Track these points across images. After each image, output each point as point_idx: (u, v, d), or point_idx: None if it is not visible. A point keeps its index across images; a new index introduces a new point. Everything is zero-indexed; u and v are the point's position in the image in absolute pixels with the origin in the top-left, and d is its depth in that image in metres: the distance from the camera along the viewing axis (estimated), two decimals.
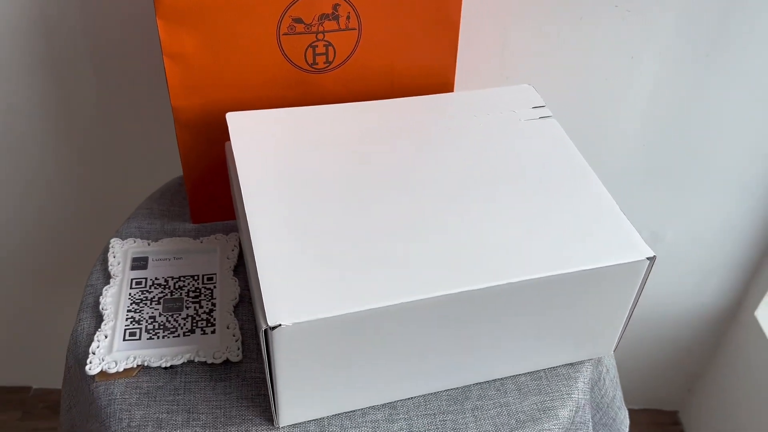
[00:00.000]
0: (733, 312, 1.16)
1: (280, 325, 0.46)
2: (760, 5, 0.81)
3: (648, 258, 0.52)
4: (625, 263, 0.52)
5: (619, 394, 0.72)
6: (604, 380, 0.66)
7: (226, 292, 0.63)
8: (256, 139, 0.59)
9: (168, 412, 0.54)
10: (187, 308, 0.62)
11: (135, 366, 0.56)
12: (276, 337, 0.46)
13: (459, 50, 0.78)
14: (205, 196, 0.69)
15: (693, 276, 1.11)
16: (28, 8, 0.78)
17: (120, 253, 0.66)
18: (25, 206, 0.96)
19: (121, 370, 0.56)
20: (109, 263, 0.65)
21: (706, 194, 0.99)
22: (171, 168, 0.92)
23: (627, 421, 0.75)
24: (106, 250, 0.67)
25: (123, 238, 0.68)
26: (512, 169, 0.59)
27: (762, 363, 1.08)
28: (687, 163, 0.96)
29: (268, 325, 0.46)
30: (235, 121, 0.60)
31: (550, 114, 0.65)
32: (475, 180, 0.58)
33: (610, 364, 0.68)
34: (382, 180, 0.57)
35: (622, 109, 0.90)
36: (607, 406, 0.69)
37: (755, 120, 0.91)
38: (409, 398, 0.56)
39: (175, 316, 0.61)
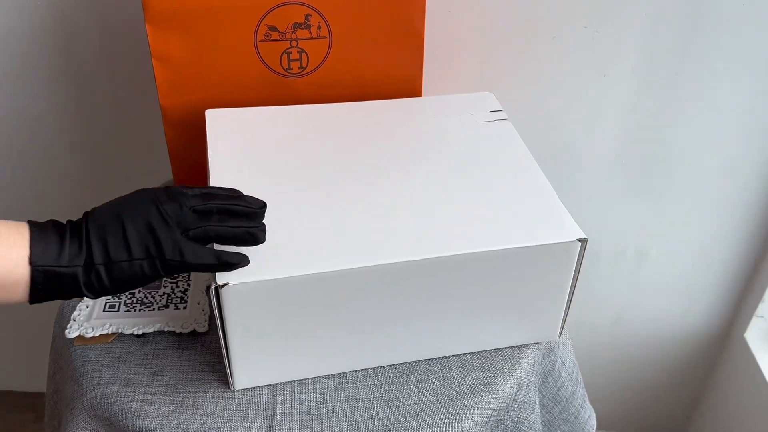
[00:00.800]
0: (724, 333, 1.16)
1: (227, 284, 0.51)
2: (726, 26, 0.85)
3: (579, 240, 0.56)
4: (557, 243, 0.56)
5: (581, 391, 0.74)
6: (560, 372, 0.69)
7: (201, 275, 0.68)
8: (230, 133, 0.65)
9: (135, 374, 0.59)
10: (165, 287, 0.67)
11: (110, 333, 0.62)
12: (224, 296, 0.51)
13: (438, 66, 0.84)
14: None
15: (681, 297, 1.12)
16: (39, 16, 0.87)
17: None
18: (29, 204, 1.04)
19: (97, 335, 0.61)
20: None
21: (687, 211, 1.02)
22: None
23: (593, 422, 0.77)
24: None
25: None
26: (464, 161, 0.64)
27: (754, 386, 1.07)
28: (665, 179, 0.99)
29: (217, 284, 0.51)
30: (213, 117, 0.67)
31: (505, 117, 0.70)
32: (427, 169, 0.63)
33: (567, 357, 0.70)
34: (343, 167, 0.62)
35: (597, 126, 0.94)
36: (567, 401, 0.71)
37: (728, 137, 0.94)
38: (358, 370, 0.60)
39: (152, 293, 0.66)
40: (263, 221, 0.51)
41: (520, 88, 0.90)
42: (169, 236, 0.47)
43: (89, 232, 0.47)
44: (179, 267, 0.48)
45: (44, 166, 1.00)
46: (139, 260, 0.47)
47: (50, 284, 0.46)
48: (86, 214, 0.49)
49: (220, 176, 0.60)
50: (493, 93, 0.75)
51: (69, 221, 0.49)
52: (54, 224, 0.48)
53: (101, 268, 0.47)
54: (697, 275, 1.09)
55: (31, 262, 0.45)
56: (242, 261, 0.50)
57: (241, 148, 0.64)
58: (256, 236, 0.50)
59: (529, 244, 0.55)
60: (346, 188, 0.60)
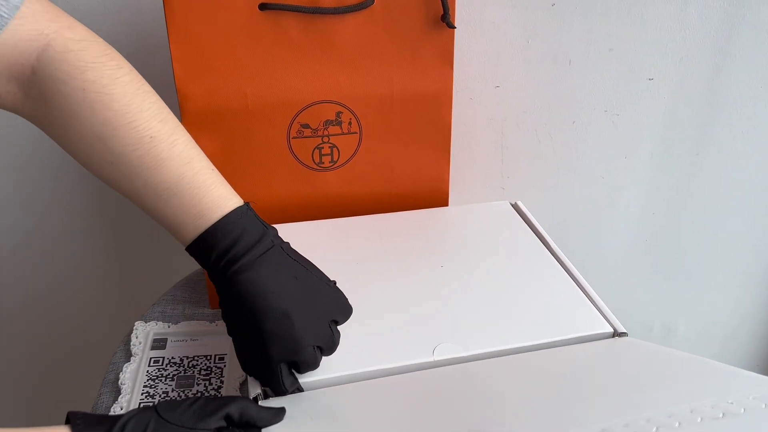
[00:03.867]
0: None
1: (259, 394, 0.50)
2: (742, 105, 0.87)
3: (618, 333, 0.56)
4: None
5: None
6: None
7: (234, 371, 0.68)
8: None
9: None
10: (198, 384, 0.67)
11: None
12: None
13: (460, 151, 0.86)
14: None
15: None
16: None
17: (142, 334, 0.73)
18: (64, 295, 1.04)
19: None
20: (132, 343, 0.71)
21: (714, 287, 1.01)
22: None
23: None
24: (131, 332, 0.74)
25: (146, 321, 0.75)
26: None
27: None
28: (691, 256, 0.99)
29: (250, 394, 0.51)
30: None
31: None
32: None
33: None
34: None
35: (620, 206, 0.95)
36: None
37: (751, 211, 0.95)
38: None
39: (186, 392, 0.66)
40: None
41: (541, 173, 0.92)
42: None
43: None
44: None
45: (85, 259, 1.01)
46: None
47: None
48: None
49: None
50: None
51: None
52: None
53: None
54: (726, 352, 1.07)
55: None
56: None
57: None
58: None
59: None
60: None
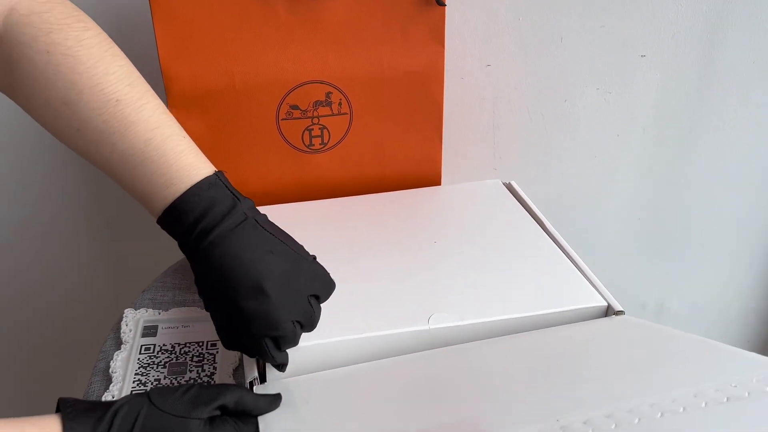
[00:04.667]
0: None
1: (255, 378, 0.50)
2: (734, 81, 0.86)
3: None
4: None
5: None
6: None
7: (227, 357, 0.67)
8: None
9: None
10: (190, 371, 0.66)
11: None
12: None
13: (452, 132, 0.85)
14: None
15: None
16: None
17: (132, 321, 0.71)
18: (51, 283, 1.02)
19: None
20: (122, 331, 0.70)
21: (706, 263, 1.01)
22: None
23: None
24: (120, 319, 0.72)
25: (136, 308, 0.74)
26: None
27: None
28: (683, 234, 0.99)
29: (246, 380, 0.50)
30: None
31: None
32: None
33: None
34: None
35: (612, 184, 0.94)
36: None
37: (742, 188, 0.94)
38: None
39: (178, 379, 0.65)
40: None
41: (534, 149, 0.91)
42: None
43: None
44: None
45: (79, 248, 1.00)
46: None
47: None
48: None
49: None
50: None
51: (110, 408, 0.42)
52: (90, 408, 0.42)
53: None
54: (717, 328, 1.08)
55: None
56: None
57: None
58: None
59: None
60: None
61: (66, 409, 0.40)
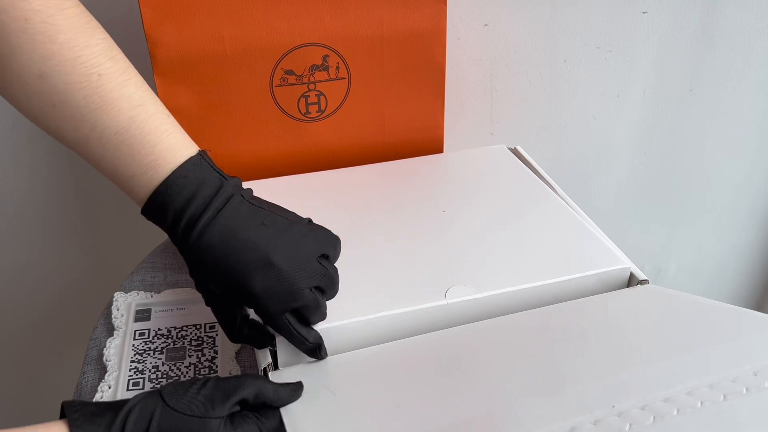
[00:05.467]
0: None
1: (269, 365, 0.46)
2: (736, 38, 0.84)
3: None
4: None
5: None
6: None
7: (228, 340, 0.64)
8: None
9: None
10: (190, 356, 0.62)
11: None
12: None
13: (448, 95, 0.81)
14: None
15: None
16: None
17: (123, 306, 0.67)
18: (31, 267, 0.97)
19: None
20: (113, 316, 0.66)
21: (704, 226, 1.00)
22: None
23: None
24: (110, 304, 0.68)
25: (126, 291, 0.69)
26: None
27: None
28: (682, 195, 0.97)
29: (259, 367, 0.47)
30: None
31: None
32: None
33: None
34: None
35: (611, 146, 0.92)
36: None
37: (742, 149, 0.93)
38: None
39: (178, 365, 0.61)
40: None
41: (533, 112, 0.88)
42: None
43: None
44: None
45: (54, 231, 0.95)
46: None
47: None
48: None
49: None
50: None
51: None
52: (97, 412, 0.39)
53: None
54: (713, 287, 1.08)
55: None
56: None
57: None
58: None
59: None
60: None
61: (72, 414, 0.36)
